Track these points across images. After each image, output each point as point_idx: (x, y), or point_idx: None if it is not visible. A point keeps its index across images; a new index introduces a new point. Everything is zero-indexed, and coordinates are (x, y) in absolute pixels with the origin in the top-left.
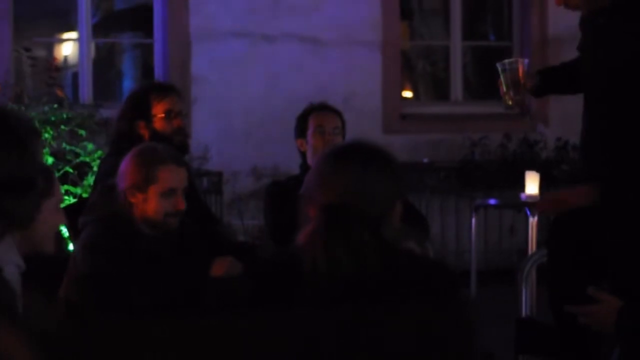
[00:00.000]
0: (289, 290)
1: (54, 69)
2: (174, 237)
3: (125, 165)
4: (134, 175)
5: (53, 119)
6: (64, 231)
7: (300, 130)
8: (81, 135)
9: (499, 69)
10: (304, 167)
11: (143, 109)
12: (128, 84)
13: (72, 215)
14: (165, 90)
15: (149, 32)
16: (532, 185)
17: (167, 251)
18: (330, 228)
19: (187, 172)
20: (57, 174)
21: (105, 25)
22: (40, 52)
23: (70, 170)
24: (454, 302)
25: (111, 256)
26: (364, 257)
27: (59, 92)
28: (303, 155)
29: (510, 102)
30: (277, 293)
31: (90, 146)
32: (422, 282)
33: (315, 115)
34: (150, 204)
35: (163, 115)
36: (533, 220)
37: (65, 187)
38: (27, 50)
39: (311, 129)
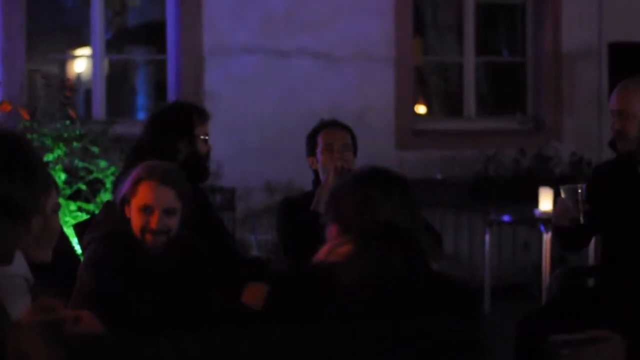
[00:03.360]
0: (315, 305)
1: (67, 88)
2: (176, 253)
3: (126, 179)
4: (124, 189)
5: (66, 135)
6: (77, 247)
7: (311, 148)
8: (94, 152)
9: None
10: (316, 183)
11: (187, 128)
12: (141, 100)
13: (84, 231)
14: (205, 113)
15: (162, 48)
16: (546, 201)
17: (167, 267)
18: (381, 245)
19: (181, 195)
20: (69, 191)
21: (118, 42)
22: (53, 68)
23: (83, 187)
24: (475, 320)
25: (114, 272)
26: (408, 276)
27: (72, 113)
28: (315, 171)
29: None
30: (304, 308)
31: (103, 163)
32: (448, 301)
33: (324, 132)
34: (133, 218)
35: (203, 137)
36: (547, 236)
37: (78, 203)
38: (43, 76)
39: (320, 147)
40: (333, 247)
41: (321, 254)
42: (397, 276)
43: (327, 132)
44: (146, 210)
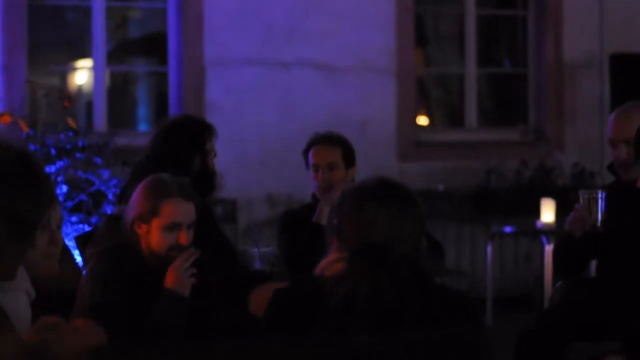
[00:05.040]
0: (310, 319)
1: (66, 98)
2: None
3: (135, 196)
4: (140, 207)
5: (68, 147)
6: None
7: (306, 163)
8: (96, 163)
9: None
10: (316, 195)
11: (200, 142)
12: (142, 112)
13: (86, 243)
14: (214, 129)
15: (164, 60)
16: (548, 212)
17: None
18: (372, 266)
19: (197, 206)
20: (71, 203)
21: (119, 53)
22: (54, 81)
23: (85, 199)
24: (476, 332)
25: (117, 286)
26: (405, 292)
27: (71, 123)
28: None
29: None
30: (299, 321)
31: (105, 175)
32: (448, 314)
33: (313, 150)
34: (153, 237)
35: (214, 152)
36: (549, 248)
37: (80, 215)
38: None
39: (310, 164)
40: (330, 262)
41: (319, 267)
42: (385, 297)
43: (315, 151)
44: (174, 228)
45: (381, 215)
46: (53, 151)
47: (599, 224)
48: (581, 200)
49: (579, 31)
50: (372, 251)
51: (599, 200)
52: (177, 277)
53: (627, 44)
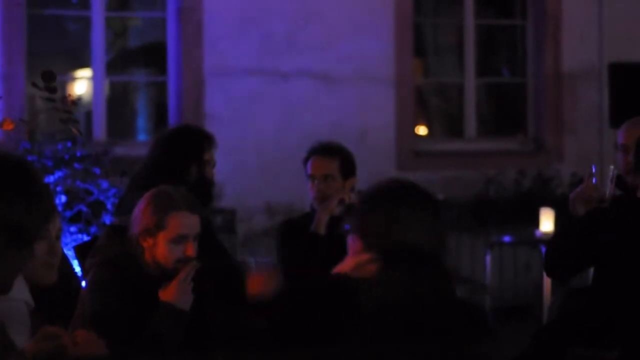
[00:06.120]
0: (336, 322)
1: (69, 104)
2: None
3: (140, 209)
4: (146, 220)
5: (67, 157)
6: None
7: (306, 173)
8: (95, 173)
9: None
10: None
11: (197, 152)
12: (142, 122)
13: (85, 253)
14: (214, 140)
15: (163, 70)
16: (547, 221)
17: None
18: (411, 266)
19: (200, 218)
20: (70, 213)
21: (119, 63)
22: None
23: (84, 209)
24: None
25: (117, 296)
26: (434, 300)
27: (75, 131)
28: None
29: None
30: (324, 323)
31: (104, 185)
32: (462, 321)
33: (310, 161)
34: (159, 250)
35: (212, 163)
36: None
37: (79, 225)
38: (47, 86)
39: (307, 174)
40: (359, 263)
41: (345, 266)
42: (423, 301)
43: (312, 161)
44: (181, 240)
45: (408, 215)
46: (51, 162)
47: (607, 197)
48: (593, 171)
49: (577, 41)
50: (407, 253)
51: (610, 175)
52: (180, 292)
53: (626, 54)
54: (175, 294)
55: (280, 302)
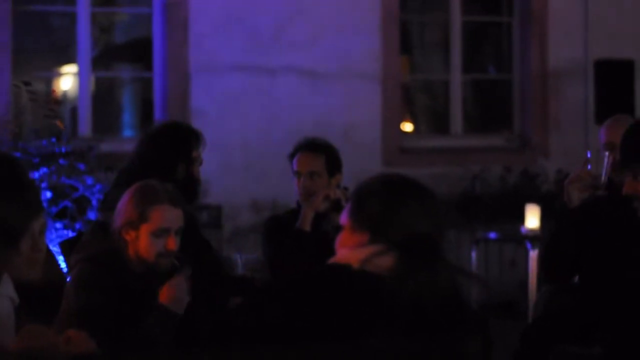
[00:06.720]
0: (361, 316)
1: (53, 102)
2: (166, 274)
3: (123, 202)
4: (129, 213)
5: (52, 153)
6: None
7: (292, 169)
8: (80, 169)
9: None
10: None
11: (185, 150)
12: (127, 118)
13: (70, 249)
14: (202, 138)
15: (149, 66)
16: (532, 218)
17: (155, 287)
18: (428, 258)
19: (183, 212)
20: (56, 209)
21: (104, 59)
22: (39, 86)
23: (70, 205)
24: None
25: (102, 292)
26: (451, 292)
27: (59, 124)
28: None
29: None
30: (346, 317)
31: (89, 181)
32: (461, 314)
33: (297, 157)
34: (142, 243)
35: (199, 161)
36: (534, 254)
37: (64, 221)
38: (27, 84)
39: (293, 170)
40: (370, 255)
41: (352, 258)
42: (442, 293)
43: (298, 158)
44: (162, 233)
45: (420, 206)
46: (36, 158)
47: (601, 183)
48: (589, 157)
49: (563, 38)
50: (423, 244)
51: (605, 161)
52: (176, 296)
53: (611, 50)
54: (172, 298)
55: (280, 289)
